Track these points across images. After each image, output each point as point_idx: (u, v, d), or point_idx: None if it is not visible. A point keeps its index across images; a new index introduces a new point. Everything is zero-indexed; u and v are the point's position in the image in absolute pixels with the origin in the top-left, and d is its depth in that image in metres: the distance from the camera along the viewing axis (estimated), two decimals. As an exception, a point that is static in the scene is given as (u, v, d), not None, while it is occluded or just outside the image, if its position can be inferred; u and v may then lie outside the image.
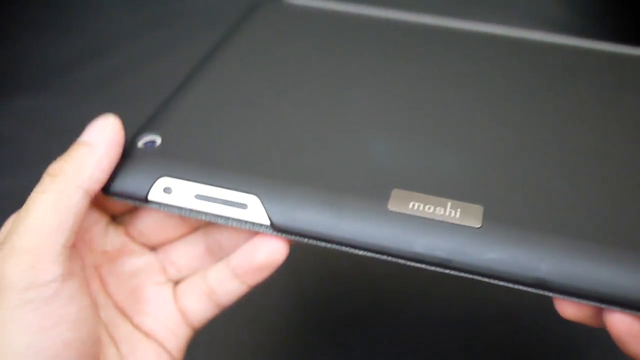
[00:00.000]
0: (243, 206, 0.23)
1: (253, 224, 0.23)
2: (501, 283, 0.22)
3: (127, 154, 0.25)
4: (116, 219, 0.27)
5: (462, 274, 0.22)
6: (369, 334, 0.39)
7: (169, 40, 0.58)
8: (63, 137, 0.48)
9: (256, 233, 0.24)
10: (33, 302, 0.20)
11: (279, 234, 0.23)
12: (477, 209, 0.22)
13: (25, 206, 0.22)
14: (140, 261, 0.27)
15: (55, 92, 0.53)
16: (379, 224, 0.22)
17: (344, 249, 0.23)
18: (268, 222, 0.23)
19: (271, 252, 0.24)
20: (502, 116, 0.27)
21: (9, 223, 0.24)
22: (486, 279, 0.22)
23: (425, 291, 0.41)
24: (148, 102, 0.51)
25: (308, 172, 0.24)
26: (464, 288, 0.40)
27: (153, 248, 0.27)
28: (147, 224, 0.27)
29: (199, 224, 0.27)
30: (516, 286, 0.22)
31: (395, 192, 0.23)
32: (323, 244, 0.23)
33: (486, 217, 0.22)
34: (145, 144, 0.25)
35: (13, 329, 0.20)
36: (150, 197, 0.24)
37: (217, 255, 0.27)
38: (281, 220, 0.23)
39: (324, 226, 0.23)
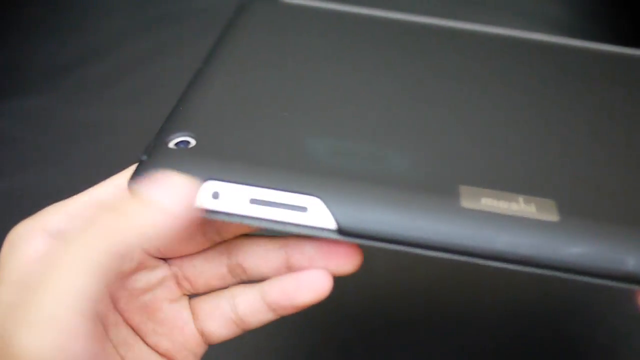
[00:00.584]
0: (302, 209, 0.21)
1: (316, 228, 0.21)
2: (585, 279, 0.21)
3: (158, 157, 0.22)
4: None
5: (543, 271, 0.21)
6: (370, 335, 0.38)
7: (169, 41, 0.58)
8: (63, 137, 0.48)
9: (290, 263, 0.23)
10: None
11: (346, 238, 0.21)
12: (550, 203, 0.22)
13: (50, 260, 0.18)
14: (153, 276, 0.24)
15: (55, 92, 0.53)
16: (455, 222, 0.21)
17: (417, 251, 0.21)
18: (334, 226, 0.21)
19: (318, 290, 0.22)
20: (537, 111, 0.27)
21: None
22: (570, 276, 0.21)
23: (427, 293, 0.41)
24: (149, 102, 0.51)
25: (370, 168, 0.22)
26: (466, 290, 0.40)
27: (164, 258, 0.25)
28: None
29: (218, 238, 0.25)
30: (601, 281, 0.21)
31: (464, 189, 0.22)
32: (394, 247, 0.21)
33: (561, 210, 0.22)
34: (177, 144, 0.22)
35: None
36: (198, 204, 0.21)
37: (240, 277, 0.25)
38: (350, 223, 0.21)
39: (397, 227, 0.21)
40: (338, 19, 0.32)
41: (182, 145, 0.22)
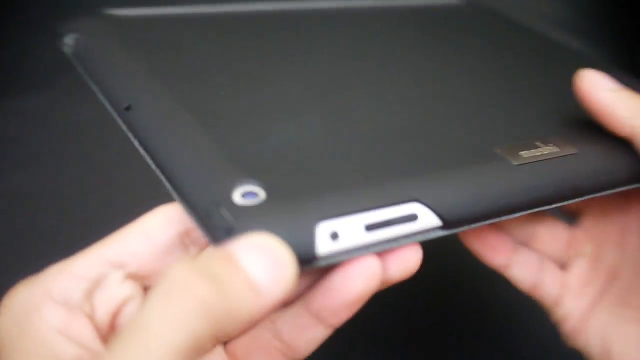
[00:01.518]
0: (413, 218, 0.20)
1: (424, 232, 0.21)
2: (614, 190, 0.25)
3: (235, 216, 0.18)
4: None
5: (579, 199, 0.24)
6: (370, 335, 0.38)
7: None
8: (63, 137, 0.48)
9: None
10: None
11: (451, 230, 0.21)
12: (557, 139, 0.25)
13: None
14: None
15: (55, 92, 0.53)
16: (522, 179, 0.23)
17: (503, 218, 0.23)
18: (440, 223, 0.21)
19: (369, 275, 0.19)
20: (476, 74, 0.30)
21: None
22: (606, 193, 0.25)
23: (427, 292, 0.41)
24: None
25: (431, 156, 0.23)
26: (465, 288, 0.40)
27: None
28: None
29: None
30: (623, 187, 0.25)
31: (500, 150, 0.24)
32: (486, 222, 0.22)
33: (570, 143, 0.25)
34: (244, 197, 0.19)
35: None
36: (319, 252, 0.18)
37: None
38: (451, 215, 0.21)
39: (485, 204, 0.22)
40: (193, 22, 0.31)
41: (250, 197, 0.19)
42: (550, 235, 0.29)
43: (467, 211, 0.21)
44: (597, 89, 0.24)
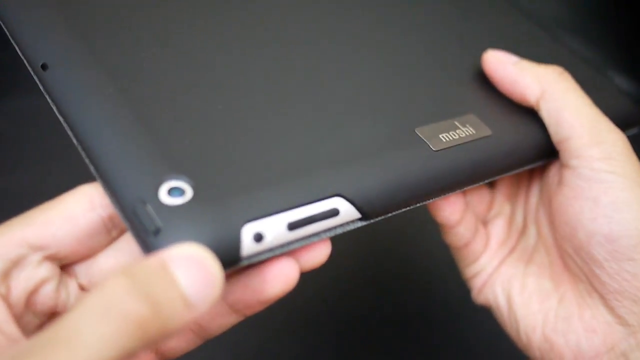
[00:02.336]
0: (335, 213, 0.20)
1: (344, 225, 0.21)
2: (527, 167, 0.27)
3: (173, 221, 0.18)
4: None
5: (493, 178, 0.26)
6: (369, 334, 0.39)
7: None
8: (62, 137, 0.48)
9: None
10: None
11: (370, 221, 0.22)
12: (472, 118, 0.26)
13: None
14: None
15: (55, 92, 0.53)
16: (438, 168, 0.23)
17: (420, 204, 0.23)
18: (359, 216, 0.21)
19: (286, 281, 0.20)
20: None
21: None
22: (517, 170, 0.26)
23: (427, 292, 0.41)
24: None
25: (353, 143, 0.22)
26: (465, 286, 0.40)
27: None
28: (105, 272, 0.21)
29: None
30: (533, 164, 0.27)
31: (421, 132, 0.24)
32: (401, 210, 0.23)
33: (487, 124, 0.26)
34: (171, 194, 0.18)
35: None
36: (243, 254, 0.18)
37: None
38: (372, 207, 0.21)
39: (403, 194, 0.22)
40: None
41: (176, 194, 0.18)
42: (477, 197, 0.31)
43: (387, 202, 0.22)
44: (502, 63, 0.27)
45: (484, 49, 0.28)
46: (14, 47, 0.23)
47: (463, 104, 0.26)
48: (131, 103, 0.20)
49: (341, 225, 0.21)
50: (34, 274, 0.20)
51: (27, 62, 0.22)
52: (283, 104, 0.23)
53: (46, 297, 0.20)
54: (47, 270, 0.20)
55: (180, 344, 0.22)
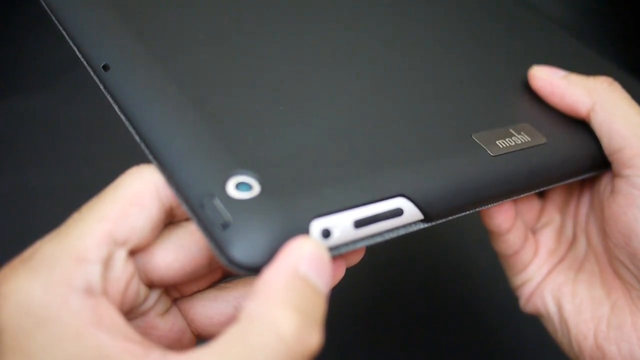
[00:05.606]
0: (399, 213, 0.21)
1: (407, 225, 0.21)
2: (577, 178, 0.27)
3: (244, 216, 0.18)
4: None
5: (547, 187, 0.26)
6: (370, 335, 0.38)
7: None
8: (62, 137, 0.48)
9: None
10: None
11: (431, 223, 0.22)
12: (527, 127, 0.26)
13: None
14: (151, 299, 0.21)
15: (54, 92, 0.53)
16: (496, 172, 0.24)
17: (479, 208, 0.24)
18: (422, 217, 0.21)
19: (336, 278, 0.21)
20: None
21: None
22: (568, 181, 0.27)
23: (427, 292, 0.41)
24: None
25: (415, 145, 0.23)
26: (465, 287, 0.40)
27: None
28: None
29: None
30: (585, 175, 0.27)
31: (478, 138, 0.24)
32: (461, 214, 0.23)
33: (541, 132, 0.26)
34: (239, 188, 0.19)
35: None
36: None
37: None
38: (434, 208, 0.22)
39: (464, 197, 0.23)
40: None
41: (244, 188, 0.18)
42: (527, 206, 0.31)
43: (449, 204, 0.22)
44: (549, 77, 0.27)
45: (530, 63, 0.29)
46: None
47: (516, 113, 0.27)
48: (195, 101, 0.21)
49: (404, 226, 0.21)
50: (123, 273, 0.19)
51: (87, 63, 0.22)
52: (347, 104, 0.23)
53: (132, 296, 0.19)
54: (132, 266, 0.19)
55: (220, 325, 0.22)
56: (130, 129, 0.21)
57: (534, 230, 0.31)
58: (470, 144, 0.24)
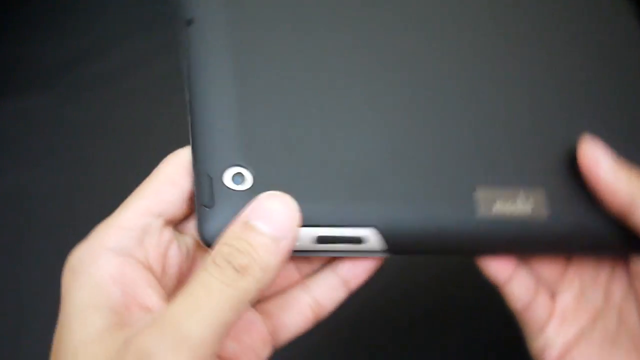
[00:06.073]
0: (363, 240, 0.22)
1: (369, 252, 0.23)
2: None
3: (224, 203, 0.21)
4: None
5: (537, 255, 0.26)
6: (370, 335, 0.38)
7: (168, 40, 0.58)
8: (62, 137, 0.48)
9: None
10: None
11: (391, 254, 0.23)
12: (540, 195, 0.25)
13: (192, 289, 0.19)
14: None
15: (55, 91, 0.53)
16: (476, 233, 0.23)
17: (445, 255, 0.25)
18: (385, 248, 0.23)
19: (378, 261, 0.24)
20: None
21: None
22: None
23: (427, 293, 0.41)
24: (148, 101, 0.51)
25: (399, 189, 0.23)
26: (465, 289, 0.40)
27: None
28: None
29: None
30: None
31: (479, 191, 0.24)
32: (424, 254, 0.24)
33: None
34: (234, 180, 0.22)
35: None
36: None
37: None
38: (396, 245, 0.23)
39: (430, 243, 0.23)
40: None
41: (238, 181, 0.21)
42: (547, 260, 0.29)
43: (416, 247, 0.23)
44: (598, 164, 0.25)
45: (587, 121, 0.27)
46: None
47: (539, 172, 0.25)
48: (242, 87, 0.23)
49: (365, 251, 0.23)
50: (161, 239, 0.22)
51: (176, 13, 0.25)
52: (364, 130, 0.24)
53: (174, 258, 0.23)
54: (169, 233, 0.22)
55: (295, 320, 0.24)
56: (186, 91, 0.23)
57: (553, 290, 0.28)
58: (465, 196, 0.23)
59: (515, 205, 0.24)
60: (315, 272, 0.25)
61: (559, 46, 0.29)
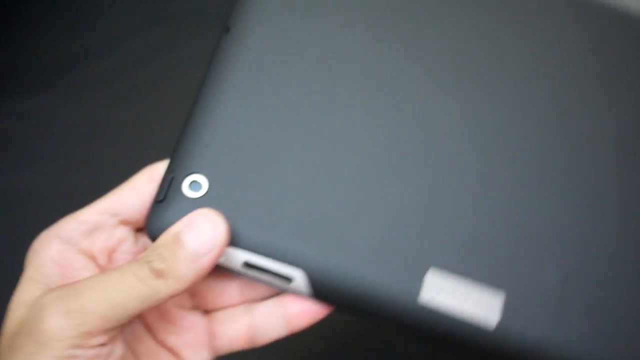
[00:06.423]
0: (290, 279, 0.22)
1: (295, 290, 0.23)
2: None
3: (174, 204, 0.23)
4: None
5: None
6: (370, 337, 0.38)
7: (168, 40, 0.58)
8: (62, 137, 0.48)
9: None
10: (77, 357, 0.21)
11: (315, 299, 0.23)
12: (498, 299, 0.21)
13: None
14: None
15: (55, 91, 0.53)
16: (415, 318, 0.22)
17: (370, 320, 0.23)
18: (312, 292, 0.23)
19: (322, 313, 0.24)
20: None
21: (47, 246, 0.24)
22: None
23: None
24: (148, 101, 0.51)
25: (346, 240, 0.22)
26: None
27: None
28: None
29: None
30: None
31: (430, 274, 0.22)
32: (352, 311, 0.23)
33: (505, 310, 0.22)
34: (191, 186, 0.23)
35: None
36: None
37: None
38: (323, 293, 0.23)
39: (361, 304, 0.22)
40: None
41: (194, 188, 0.23)
42: None
43: (344, 303, 0.23)
44: None
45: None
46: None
47: (512, 277, 0.21)
48: (237, 104, 0.24)
49: (295, 290, 0.23)
50: (111, 234, 0.24)
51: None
52: (323, 174, 0.23)
53: (126, 253, 0.25)
54: (123, 231, 0.25)
55: (231, 334, 0.26)
56: (203, 82, 0.25)
57: None
58: (413, 273, 0.21)
59: (466, 304, 0.21)
60: (263, 299, 0.26)
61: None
